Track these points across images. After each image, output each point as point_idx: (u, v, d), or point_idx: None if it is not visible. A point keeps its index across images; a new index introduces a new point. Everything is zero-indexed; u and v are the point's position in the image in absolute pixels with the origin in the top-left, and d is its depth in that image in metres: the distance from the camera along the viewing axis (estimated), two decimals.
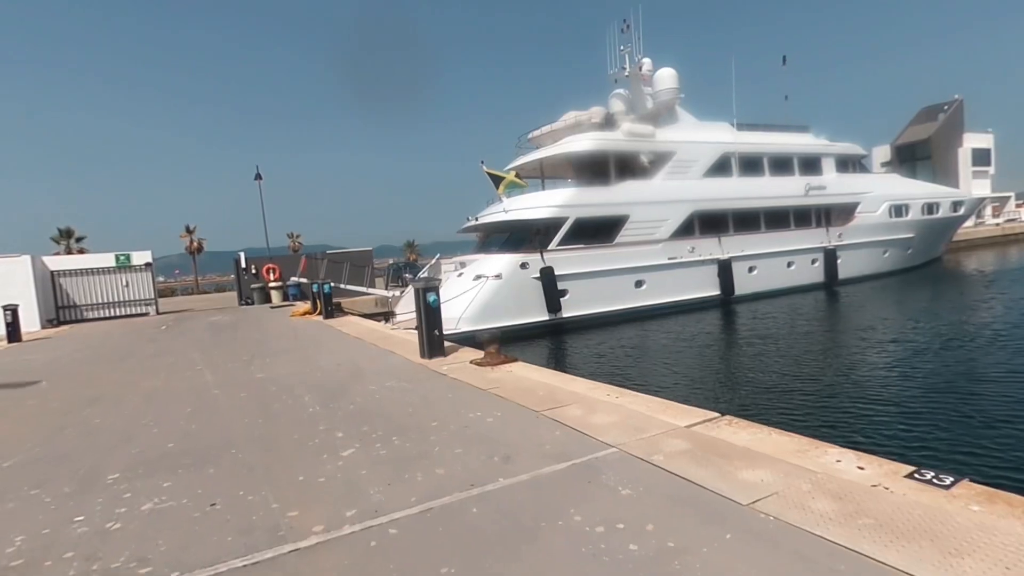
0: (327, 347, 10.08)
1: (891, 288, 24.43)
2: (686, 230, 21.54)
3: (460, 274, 19.00)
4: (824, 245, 24.77)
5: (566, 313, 18.79)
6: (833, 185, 25.73)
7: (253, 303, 24.80)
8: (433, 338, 7.01)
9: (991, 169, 52.68)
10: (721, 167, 23.08)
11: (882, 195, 27.17)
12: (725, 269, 21.91)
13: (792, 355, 12.70)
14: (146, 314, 22.58)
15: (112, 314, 22.21)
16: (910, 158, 49.01)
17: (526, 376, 6.24)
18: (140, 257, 22.69)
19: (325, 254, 25.24)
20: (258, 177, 29.96)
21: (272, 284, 25.03)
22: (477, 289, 17.69)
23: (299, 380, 6.93)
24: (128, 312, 22.47)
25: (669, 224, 21.21)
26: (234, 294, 28.68)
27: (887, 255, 27.67)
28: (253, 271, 25.72)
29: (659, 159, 21.94)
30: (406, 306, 20.99)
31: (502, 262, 18.41)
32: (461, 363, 6.95)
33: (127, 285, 22.42)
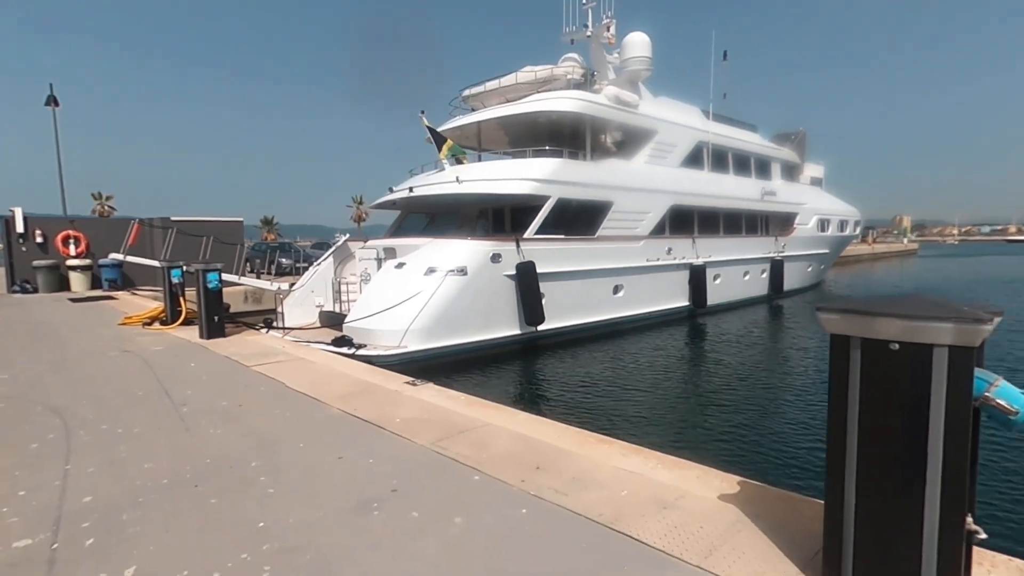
0: (324, 489, 3.40)
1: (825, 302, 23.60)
2: (661, 228, 18.03)
3: (400, 264, 13.11)
4: (772, 255, 23.13)
5: (546, 324, 13.90)
6: (781, 192, 24.30)
7: (35, 291, 15.90)
8: None
9: None
10: (695, 158, 19.96)
11: (813, 207, 26.57)
12: (698, 275, 18.79)
13: None
14: None
15: None
16: None
17: None
18: None
19: (170, 220, 17.02)
20: (52, 102, 20.32)
21: (74, 262, 16.30)
22: (434, 287, 12.07)
23: None
24: None
25: (650, 218, 17.45)
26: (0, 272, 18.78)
27: (810, 269, 27.24)
28: (39, 239, 16.62)
29: (633, 138, 18.11)
30: (298, 307, 14.53)
31: (465, 251, 12.88)
32: None
33: None
